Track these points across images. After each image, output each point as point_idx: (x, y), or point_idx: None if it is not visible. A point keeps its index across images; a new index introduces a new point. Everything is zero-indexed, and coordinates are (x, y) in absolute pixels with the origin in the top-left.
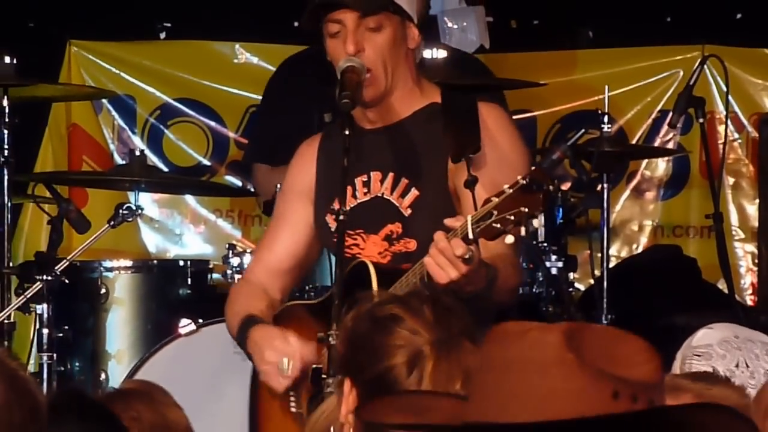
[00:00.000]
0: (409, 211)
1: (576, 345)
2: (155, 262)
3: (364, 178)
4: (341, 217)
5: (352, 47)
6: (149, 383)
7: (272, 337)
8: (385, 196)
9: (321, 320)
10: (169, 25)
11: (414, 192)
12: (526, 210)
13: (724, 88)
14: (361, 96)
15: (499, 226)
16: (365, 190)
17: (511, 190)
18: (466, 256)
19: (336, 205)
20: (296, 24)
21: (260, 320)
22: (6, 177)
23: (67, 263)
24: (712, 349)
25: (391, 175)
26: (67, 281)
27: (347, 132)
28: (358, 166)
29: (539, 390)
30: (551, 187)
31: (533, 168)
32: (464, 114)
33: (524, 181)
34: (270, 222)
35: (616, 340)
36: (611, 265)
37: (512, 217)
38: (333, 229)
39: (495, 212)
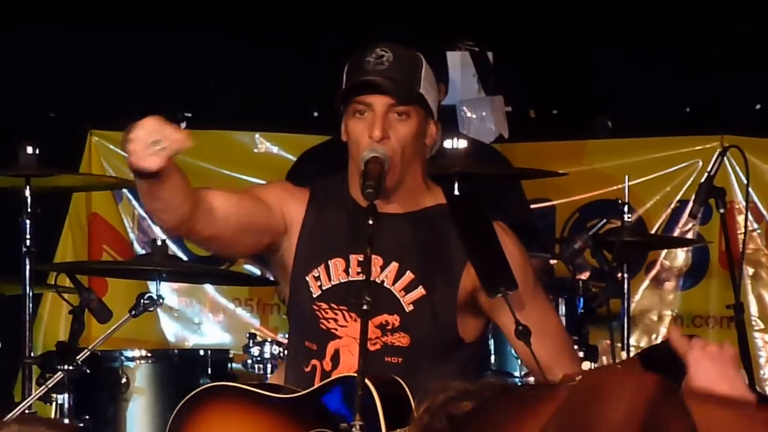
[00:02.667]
0: (411, 307)
1: None
2: (176, 351)
3: (361, 258)
4: (365, 307)
5: (378, 132)
6: None
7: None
8: (385, 285)
9: (296, 417)
10: (189, 114)
11: (420, 290)
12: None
13: (744, 179)
14: (385, 186)
15: None
16: (359, 270)
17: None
18: None
19: (319, 272)
20: (316, 114)
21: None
22: (28, 267)
23: (88, 353)
24: None
25: (394, 265)
26: (88, 371)
27: (371, 222)
28: (354, 245)
29: None
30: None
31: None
32: (483, 234)
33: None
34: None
35: None
36: (631, 354)
37: None
38: (314, 295)
39: None
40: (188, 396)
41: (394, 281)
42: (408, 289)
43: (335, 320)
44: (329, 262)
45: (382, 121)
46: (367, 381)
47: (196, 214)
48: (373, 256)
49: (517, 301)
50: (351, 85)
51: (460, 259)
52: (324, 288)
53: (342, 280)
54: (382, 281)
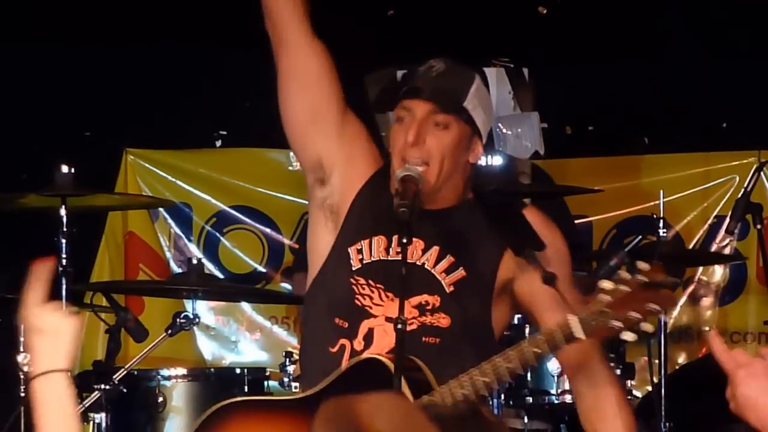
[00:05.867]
0: (451, 288)
1: None
2: (212, 370)
3: (404, 240)
4: (399, 326)
5: (412, 137)
6: None
7: None
8: (426, 267)
9: (301, 417)
10: (224, 133)
11: (461, 272)
12: (656, 307)
13: None
14: (420, 206)
15: (617, 324)
16: (399, 250)
17: (628, 288)
18: None
19: (363, 245)
20: None
21: None
22: (64, 286)
23: (125, 372)
24: None
25: (435, 248)
26: (125, 390)
27: (405, 240)
28: (399, 226)
29: None
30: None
31: (645, 264)
32: (509, 211)
33: (644, 279)
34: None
35: None
36: (669, 372)
37: (636, 314)
38: (353, 268)
39: (608, 310)
40: (203, 416)
41: (435, 264)
42: (449, 270)
43: (371, 297)
44: (373, 238)
45: (419, 125)
46: (386, 360)
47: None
48: (415, 240)
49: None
50: (396, 89)
51: (499, 247)
52: (365, 262)
53: (381, 258)
54: (423, 263)
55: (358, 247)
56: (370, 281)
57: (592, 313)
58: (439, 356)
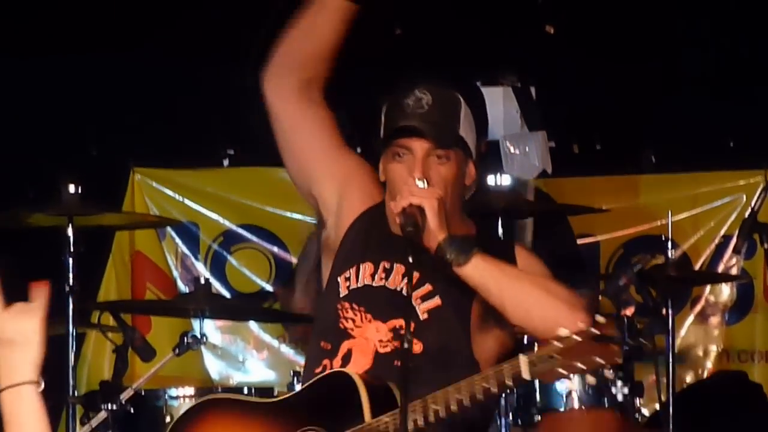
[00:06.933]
0: (425, 315)
1: None
2: (220, 389)
3: (387, 265)
4: (405, 345)
5: (419, 176)
6: None
7: None
8: (404, 292)
9: (280, 421)
10: (231, 152)
11: (437, 300)
12: (601, 361)
13: None
14: (425, 229)
15: (563, 371)
16: (383, 275)
17: (578, 338)
18: None
19: (350, 273)
20: (359, 150)
21: None
22: (71, 305)
23: (132, 392)
24: None
25: (415, 275)
26: (132, 410)
27: (411, 260)
28: (386, 252)
29: None
30: (627, 341)
31: (602, 318)
32: (500, 247)
33: (596, 332)
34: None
35: None
36: (677, 390)
37: (581, 365)
38: (341, 295)
39: (557, 356)
40: (182, 412)
41: (414, 289)
42: (424, 298)
43: (353, 320)
44: (361, 265)
45: (422, 164)
46: (354, 376)
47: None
48: (398, 265)
49: None
50: (391, 127)
51: None
52: (351, 288)
53: (366, 284)
54: (401, 289)
55: (347, 275)
56: (354, 305)
57: (541, 357)
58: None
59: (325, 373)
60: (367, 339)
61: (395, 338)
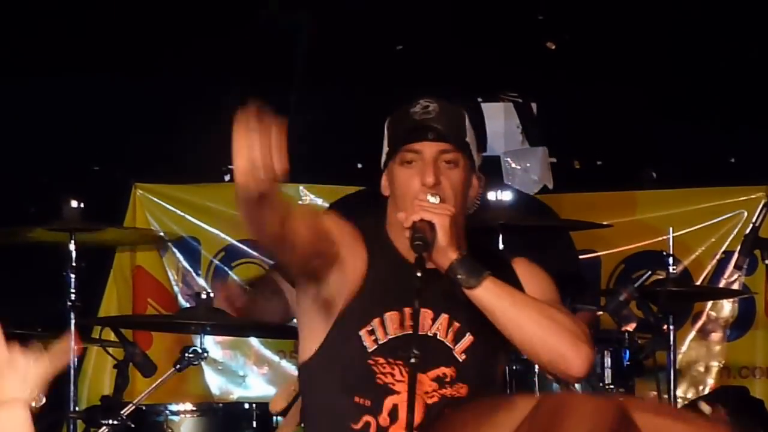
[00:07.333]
0: (463, 356)
1: None
2: (220, 405)
3: (412, 311)
4: (413, 360)
5: (431, 178)
6: None
7: None
8: (438, 337)
9: None
10: (232, 167)
11: (469, 337)
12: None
13: None
14: (434, 242)
15: None
16: (411, 323)
17: None
18: None
19: (374, 326)
20: (360, 166)
21: None
22: (72, 321)
23: (133, 407)
24: None
25: (444, 316)
26: (132, 425)
27: (419, 274)
28: (406, 297)
29: None
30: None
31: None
32: (498, 262)
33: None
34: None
35: None
36: (678, 406)
37: None
38: (369, 350)
39: None
40: None
41: (446, 333)
42: (457, 338)
43: (392, 375)
44: (384, 315)
45: (434, 166)
46: None
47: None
48: (423, 310)
49: None
50: (400, 132)
51: None
52: (380, 342)
53: (399, 334)
54: (435, 334)
55: (369, 329)
56: (390, 359)
57: None
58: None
59: None
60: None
61: (440, 387)
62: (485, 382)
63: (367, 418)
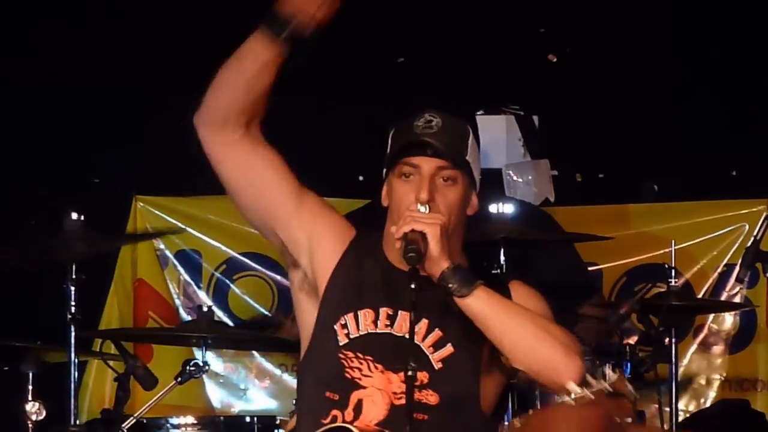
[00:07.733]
0: (440, 365)
1: None
2: (221, 418)
3: (390, 311)
4: (409, 372)
5: (425, 195)
6: None
7: None
8: (415, 341)
9: None
10: None
11: (449, 348)
12: (616, 418)
13: None
14: (427, 254)
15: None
16: (387, 322)
17: (592, 396)
18: None
19: (346, 320)
20: (361, 178)
21: None
22: (73, 334)
23: (134, 420)
24: None
25: (424, 321)
26: None
27: (413, 286)
28: (386, 298)
29: None
30: (635, 397)
31: (618, 375)
32: (496, 284)
33: (610, 389)
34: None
35: None
36: (680, 419)
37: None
38: (340, 343)
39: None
40: None
41: (424, 338)
42: (437, 346)
43: (360, 370)
44: (359, 312)
45: (430, 183)
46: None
47: (245, 128)
48: (404, 312)
49: None
50: (400, 145)
51: None
52: (351, 336)
53: (370, 331)
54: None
55: (342, 323)
56: (359, 354)
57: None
58: None
59: (327, 428)
60: (381, 390)
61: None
62: (459, 396)
63: (334, 412)
